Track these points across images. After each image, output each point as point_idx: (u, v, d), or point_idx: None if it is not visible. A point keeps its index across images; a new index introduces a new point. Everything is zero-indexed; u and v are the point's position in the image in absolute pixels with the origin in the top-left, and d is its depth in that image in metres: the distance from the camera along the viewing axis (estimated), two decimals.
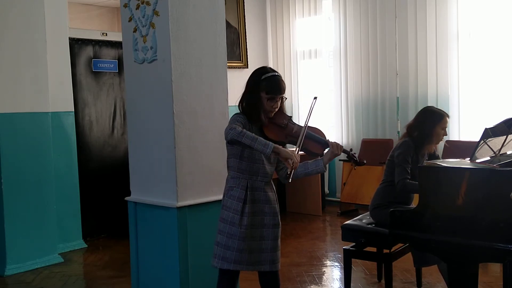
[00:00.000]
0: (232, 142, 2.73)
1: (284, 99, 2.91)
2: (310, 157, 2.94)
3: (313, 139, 2.88)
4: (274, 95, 2.81)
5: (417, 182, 3.65)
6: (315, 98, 2.96)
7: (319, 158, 2.93)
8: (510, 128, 3.19)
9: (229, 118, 2.91)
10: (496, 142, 3.22)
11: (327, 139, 2.91)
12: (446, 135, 3.80)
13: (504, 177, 2.75)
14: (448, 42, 6.11)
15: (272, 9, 7.90)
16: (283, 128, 2.88)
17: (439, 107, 6.16)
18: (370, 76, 6.83)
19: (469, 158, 3.11)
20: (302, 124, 2.89)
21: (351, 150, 2.94)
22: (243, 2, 7.56)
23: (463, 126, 6.13)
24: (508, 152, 3.41)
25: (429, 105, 6.15)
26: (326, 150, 2.91)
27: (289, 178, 2.75)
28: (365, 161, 2.96)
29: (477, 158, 3.10)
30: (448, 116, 3.80)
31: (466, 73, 6.09)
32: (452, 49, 6.10)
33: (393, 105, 6.66)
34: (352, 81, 7.00)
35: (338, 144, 2.85)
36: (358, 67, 6.93)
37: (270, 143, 2.66)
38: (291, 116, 2.96)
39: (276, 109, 2.86)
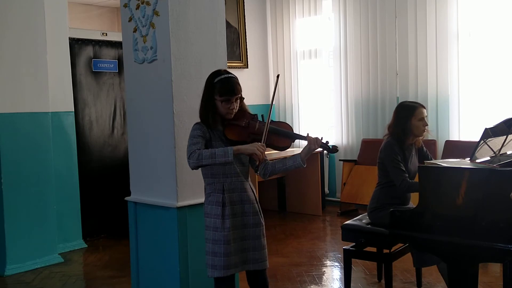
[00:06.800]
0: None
1: (242, 99, 2.88)
2: (279, 151, 2.94)
3: (278, 134, 2.88)
4: (228, 97, 2.79)
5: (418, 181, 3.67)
6: (278, 76, 3.20)
7: (297, 153, 2.90)
8: (510, 128, 3.19)
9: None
10: (496, 142, 3.22)
11: (294, 131, 2.92)
12: (426, 125, 3.77)
13: (504, 177, 2.75)
14: (448, 42, 6.11)
15: (272, 9, 7.89)
16: (245, 127, 2.86)
17: (439, 107, 6.25)
18: (370, 76, 6.83)
19: (469, 158, 3.12)
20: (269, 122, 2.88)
21: (321, 138, 2.87)
22: (243, 2, 7.55)
23: (463, 126, 6.12)
24: (508, 152, 3.41)
25: (429, 104, 6.18)
26: (304, 146, 2.88)
27: (257, 170, 2.84)
28: (337, 148, 2.94)
29: (477, 158, 3.10)
30: (423, 106, 3.78)
31: (466, 73, 6.08)
32: (452, 49, 6.10)
33: (393, 105, 6.63)
34: (352, 81, 7.00)
35: (317, 138, 2.82)
36: (358, 67, 6.93)
37: (229, 149, 2.68)
38: (255, 114, 2.93)
39: (235, 110, 2.84)
